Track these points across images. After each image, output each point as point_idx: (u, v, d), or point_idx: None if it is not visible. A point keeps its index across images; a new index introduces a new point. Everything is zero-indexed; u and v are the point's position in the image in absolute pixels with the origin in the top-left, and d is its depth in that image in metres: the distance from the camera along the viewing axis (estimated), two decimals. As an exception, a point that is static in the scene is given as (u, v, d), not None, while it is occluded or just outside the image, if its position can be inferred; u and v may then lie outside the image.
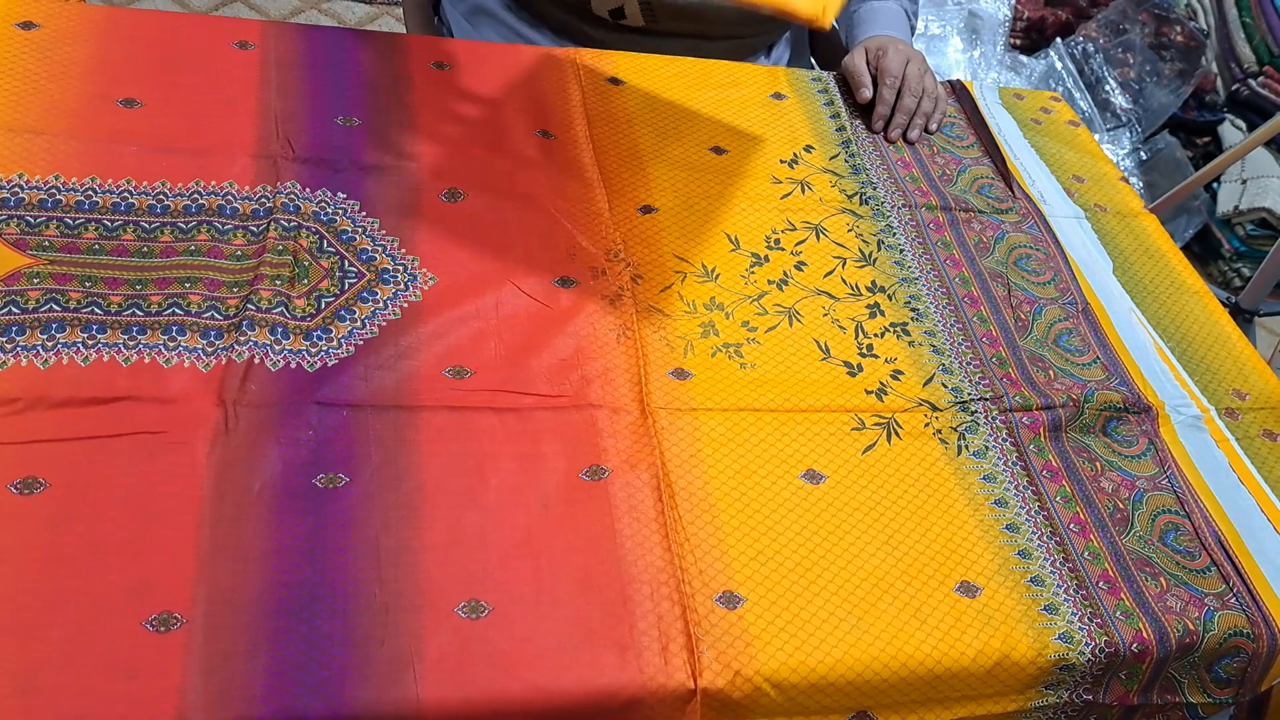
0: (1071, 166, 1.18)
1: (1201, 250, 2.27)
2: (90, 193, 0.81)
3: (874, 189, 1.06)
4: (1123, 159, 2.11)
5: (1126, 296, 1.03)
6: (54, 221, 0.78)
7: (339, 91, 0.96)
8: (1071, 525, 0.81)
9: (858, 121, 1.13)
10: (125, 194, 0.82)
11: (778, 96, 1.13)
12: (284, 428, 0.69)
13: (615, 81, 1.08)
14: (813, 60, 1.36)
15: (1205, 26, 2.44)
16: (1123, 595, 0.77)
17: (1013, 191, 1.10)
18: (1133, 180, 2.11)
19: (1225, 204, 2.17)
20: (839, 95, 1.16)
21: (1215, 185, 2.22)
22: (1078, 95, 2.15)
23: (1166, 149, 2.18)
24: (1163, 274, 1.07)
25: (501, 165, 0.95)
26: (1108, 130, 2.12)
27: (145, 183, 0.83)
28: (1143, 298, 1.04)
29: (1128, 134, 2.14)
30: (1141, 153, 2.15)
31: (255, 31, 0.99)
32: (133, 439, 0.66)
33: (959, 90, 1.22)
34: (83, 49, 0.92)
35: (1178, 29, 2.22)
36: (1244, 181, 2.16)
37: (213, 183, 0.85)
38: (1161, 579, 0.79)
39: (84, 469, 0.64)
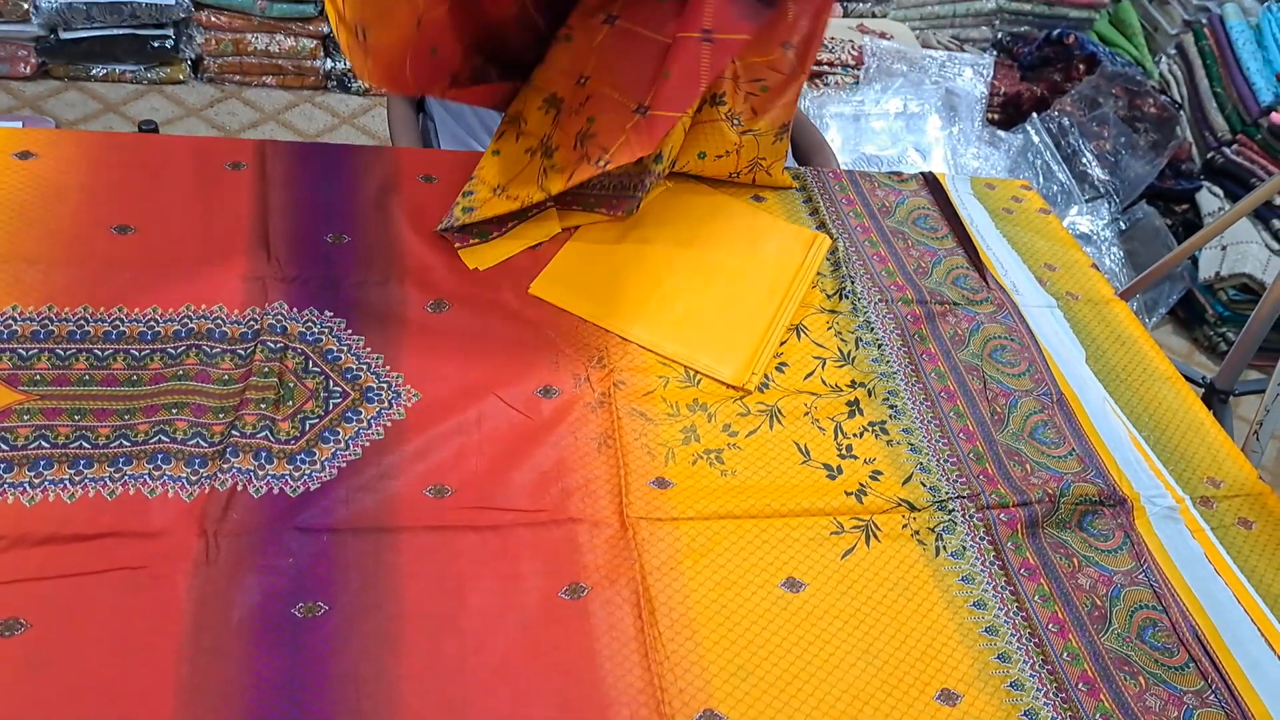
0: (1043, 255, 1.21)
1: (1186, 315, 2.29)
2: (82, 322, 0.83)
3: (852, 283, 1.08)
4: (1102, 229, 2.14)
5: (1099, 385, 1.05)
6: (46, 353, 0.80)
7: (329, 209, 0.99)
8: (1050, 625, 0.81)
9: (837, 218, 1.16)
10: (117, 321, 0.84)
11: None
12: (264, 555, 0.71)
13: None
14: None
15: (1178, 98, 2.50)
16: (1102, 696, 0.77)
17: (986, 282, 1.13)
18: (1113, 249, 2.14)
19: (1206, 270, 2.20)
20: (817, 192, 1.19)
21: (1196, 252, 2.25)
22: (1056, 168, 2.19)
23: (1145, 218, 2.21)
24: (1135, 360, 1.09)
25: (487, 275, 0.98)
26: (1086, 201, 2.16)
27: (137, 309, 0.85)
28: (1116, 385, 1.06)
29: (1106, 204, 2.18)
30: (1121, 222, 2.18)
31: (249, 151, 1.03)
32: (114, 575, 0.67)
33: (931, 182, 1.25)
34: (78, 176, 0.95)
35: (1150, 101, 2.27)
36: (1224, 248, 2.20)
37: (203, 306, 0.87)
38: (1140, 678, 0.79)
39: (64, 608, 0.65)
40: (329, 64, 2.27)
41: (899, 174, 1.26)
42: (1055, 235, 1.24)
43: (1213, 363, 2.22)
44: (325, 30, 2.22)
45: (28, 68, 2.09)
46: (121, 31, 2.09)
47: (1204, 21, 2.55)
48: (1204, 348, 2.27)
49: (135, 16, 2.06)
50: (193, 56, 2.19)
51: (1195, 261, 2.25)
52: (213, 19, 2.14)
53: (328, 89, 2.30)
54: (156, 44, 2.12)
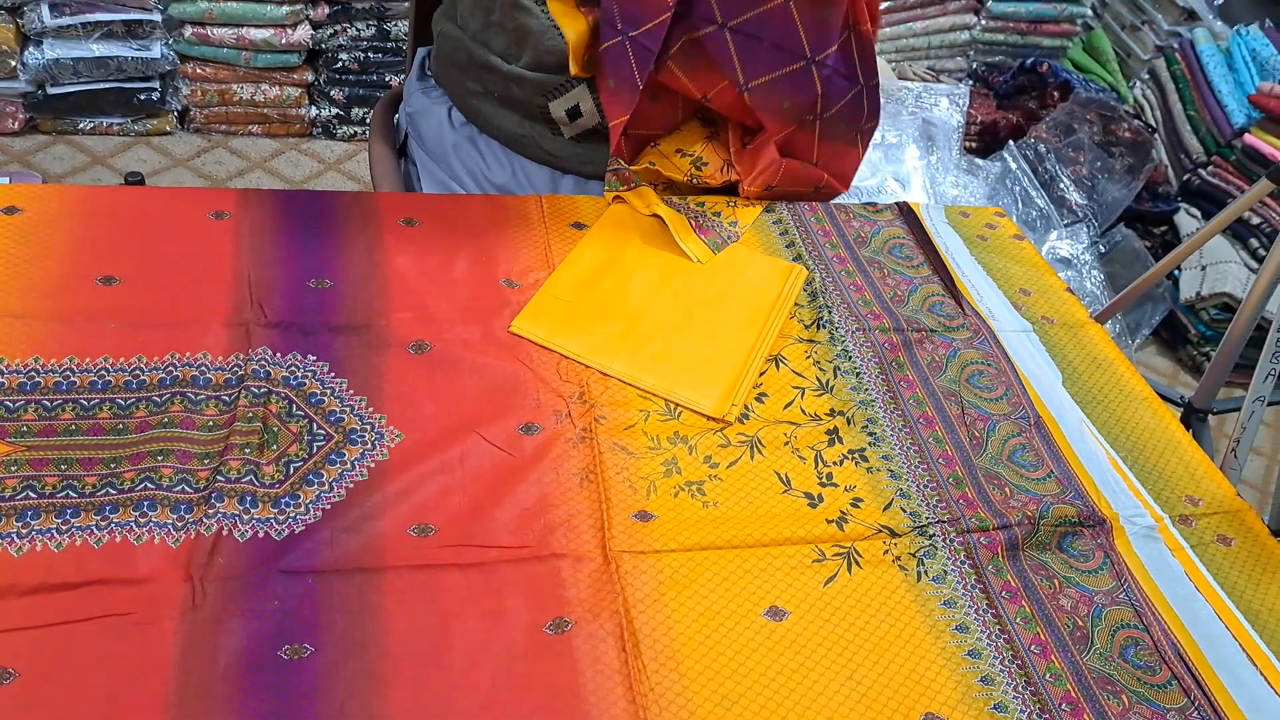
0: (1018, 280, 1.22)
1: (1170, 336, 2.32)
2: (69, 373, 0.84)
3: (829, 313, 1.09)
4: (1082, 253, 2.17)
5: (1077, 408, 1.06)
6: (32, 405, 0.81)
7: (311, 254, 1.01)
8: (1033, 647, 0.82)
9: (813, 250, 1.18)
10: (103, 371, 0.85)
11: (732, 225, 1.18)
12: (250, 599, 0.71)
13: (578, 226, 1.13)
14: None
15: (1152, 122, 2.55)
16: (1086, 716, 0.78)
17: (962, 309, 1.14)
18: (1094, 272, 2.17)
19: (1187, 290, 2.23)
20: (791, 223, 1.21)
21: (1177, 273, 2.28)
22: (1034, 193, 2.22)
23: (1124, 241, 2.24)
24: (1111, 382, 1.11)
25: (468, 316, 0.99)
26: (1065, 226, 2.19)
27: (122, 359, 0.87)
28: (1092, 407, 1.07)
29: (1085, 228, 2.21)
30: (1100, 246, 2.21)
31: (232, 201, 1.04)
32: (101, 623, 0.68)
33: (906, 212, 1.27)
34: (63, 230, 0.96)
35: (1125, 126, 2.31)
36: (1203, 268, 2.22)
37: (187, 354, 0.88)
38: (1124, 697, 0.80)
39: (52, 657, 0.66)
40: (313, 111, 2.30)
41: (874, 205, 1.28)
42: (1030, 260, 1.26)
43: (1197, 382, 2.24)
44: (309, 79, 2.26)
45: (15, 123, 2.12)
46: (108, 85, 2.12)
47: (1175, 47, 2.60)
48: (1188, 368, 2.29)
49: (122, 70, 2.09)
50: (179, 108, 2.22)
51: (1176, 282, 2.28)
52: (198, 70, 2.18)
53: (313, 136, 2.33)
54: (143, 96, 2.15)
